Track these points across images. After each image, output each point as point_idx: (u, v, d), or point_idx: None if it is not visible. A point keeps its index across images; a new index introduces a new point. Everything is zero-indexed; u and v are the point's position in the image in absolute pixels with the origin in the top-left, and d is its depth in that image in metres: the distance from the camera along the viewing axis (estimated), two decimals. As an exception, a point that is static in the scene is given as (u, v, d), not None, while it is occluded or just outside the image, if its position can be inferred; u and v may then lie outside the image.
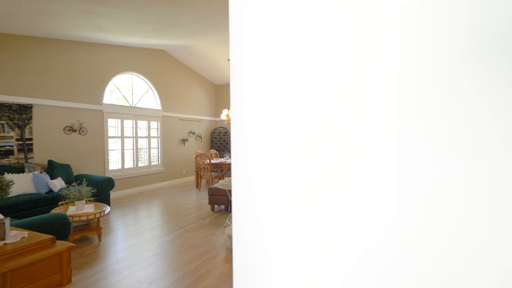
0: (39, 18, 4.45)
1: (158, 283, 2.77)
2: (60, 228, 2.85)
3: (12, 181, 2.04)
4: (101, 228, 4.08)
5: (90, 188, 4.32)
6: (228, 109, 8.56)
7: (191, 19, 5.36)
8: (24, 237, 1.98)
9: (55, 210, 4.17)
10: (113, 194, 6.84)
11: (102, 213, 3.99)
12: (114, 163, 7.05)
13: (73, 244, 1.98)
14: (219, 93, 10.83)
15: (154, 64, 8.12)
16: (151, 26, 5.59)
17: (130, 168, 7.39)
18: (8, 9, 4.03)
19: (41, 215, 2.86)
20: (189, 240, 3.91)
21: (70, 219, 3.74)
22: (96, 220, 4.14)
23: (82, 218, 3.77)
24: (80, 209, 4.12)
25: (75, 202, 4.13)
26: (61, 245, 1.95)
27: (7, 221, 2.00)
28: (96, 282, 2.82)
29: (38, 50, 5.60)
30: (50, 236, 1.96)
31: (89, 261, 3.33)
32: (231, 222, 4.48)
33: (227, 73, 9.44)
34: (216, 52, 8.05)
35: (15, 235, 2.02)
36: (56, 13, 4.38)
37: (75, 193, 4.16)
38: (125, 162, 7.27)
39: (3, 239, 1.92)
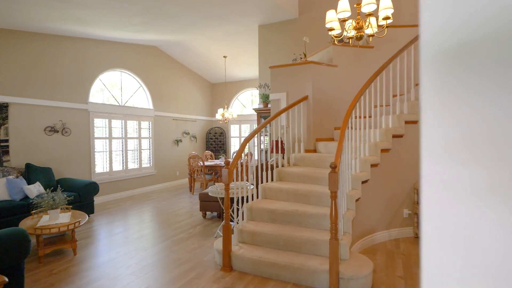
0: (6, 7, 4.04)
1: (131, 311, 2.36)
2: (17, 247, 2.43)
3: None
4: (77, 241, 3.67)
5: (66, 195, 3.90)
6: (224, 108, 8.15)
7: (179, 10, 4.94)
8: None
9: (28, 220, 3.77)
10: (99, 199, 6.42)
11: (77, 223, 3.57)
12: (101, 166, 6.63)
13: (5, 280, 1.56)
14: (215, 92, 10.42)
15: (146, 61, 7.71)
16: (137, 18, 5.18)
17: (119, 171, 6.97)
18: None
19: (-6, 230, 2.44)
20: (175, 254, 3.49)
21: (39, 231, 3.33)
22: (71, 232, 3.73)
23: (52, 231, 3.36)
24: (54, 219, 3.70)
25: (48, 211, 3.72)
26: (-7, 276, 1.54)
27: None
28: (58, 309, 2.40)
29: (15, 45, 5.18)
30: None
31: (56, 282, 2.91)
32: (222, 233, 4.07)
33: (223, 71, 9.02)
34: (210, 49, 7.64)
35: None
36: (27, 2, 3.97)
37: (48, 200, 3.73)
38: (113, 164, 6.85)
39: None
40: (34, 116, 5.45)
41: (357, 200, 3.22)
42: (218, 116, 7.80)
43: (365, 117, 3.68)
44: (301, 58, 5.01)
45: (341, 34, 3.05)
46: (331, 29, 3.07)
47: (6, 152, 5.07)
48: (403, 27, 4.80)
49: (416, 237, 3.75)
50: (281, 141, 4.20)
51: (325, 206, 3.30)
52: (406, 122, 3.75)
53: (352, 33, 2.77)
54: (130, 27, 5.68)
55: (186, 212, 5.42)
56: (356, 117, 3.47)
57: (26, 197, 4.69)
